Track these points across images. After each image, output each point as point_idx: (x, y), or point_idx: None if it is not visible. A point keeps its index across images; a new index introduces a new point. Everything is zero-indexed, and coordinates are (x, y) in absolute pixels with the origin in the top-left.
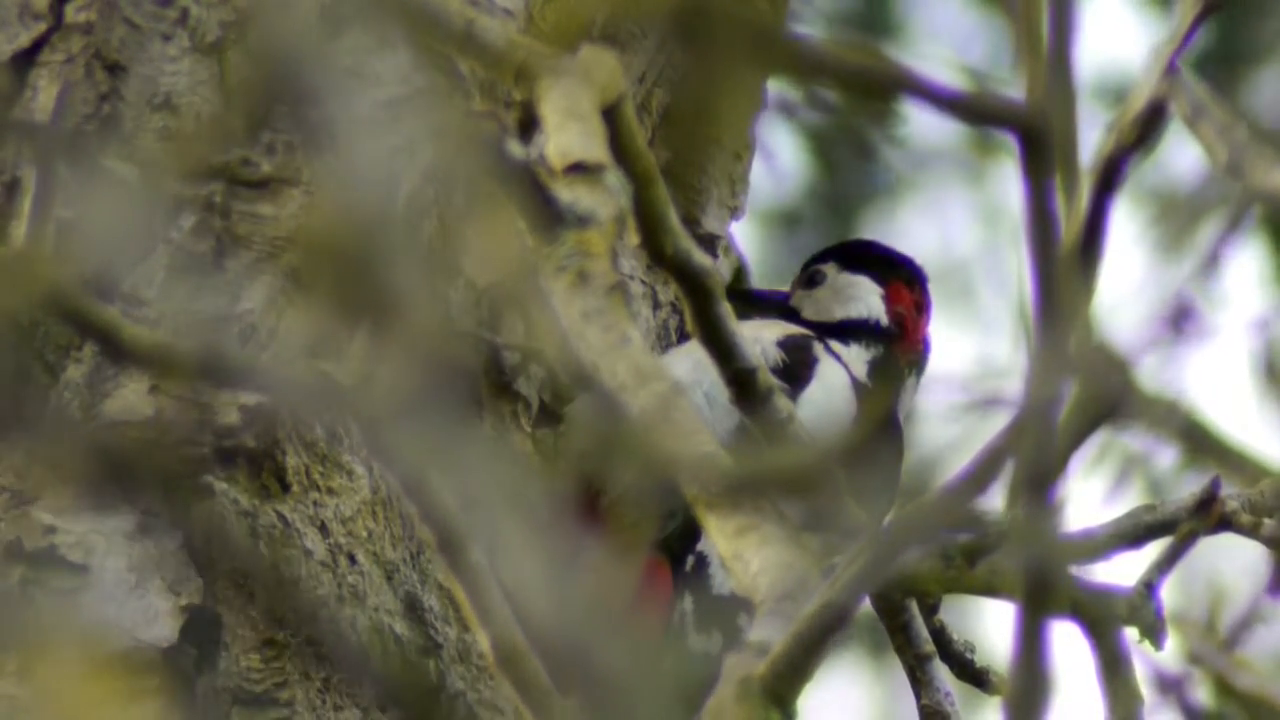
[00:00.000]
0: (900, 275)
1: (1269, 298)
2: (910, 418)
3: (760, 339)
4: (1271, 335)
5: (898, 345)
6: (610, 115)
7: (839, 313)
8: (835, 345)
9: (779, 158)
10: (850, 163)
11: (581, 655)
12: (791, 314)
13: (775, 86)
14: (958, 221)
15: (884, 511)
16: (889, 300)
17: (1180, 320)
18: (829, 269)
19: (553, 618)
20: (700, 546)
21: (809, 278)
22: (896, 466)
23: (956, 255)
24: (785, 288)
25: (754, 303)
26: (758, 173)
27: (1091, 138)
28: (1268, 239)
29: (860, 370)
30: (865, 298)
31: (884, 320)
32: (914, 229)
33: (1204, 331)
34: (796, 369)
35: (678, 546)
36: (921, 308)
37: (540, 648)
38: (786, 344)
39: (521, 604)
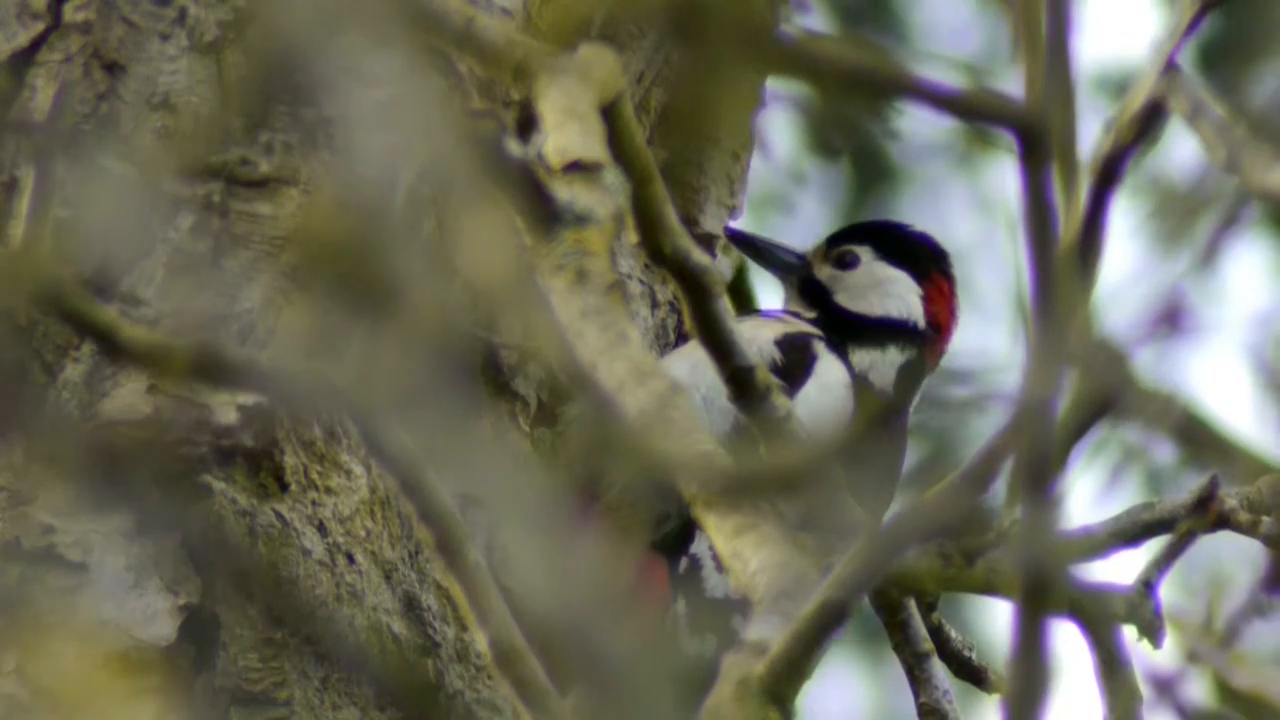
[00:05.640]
0: (939, 269)
1: (1269, 293)
2: (913, 409)
3: (757, 338)
4: (1270, 331)
5: (929, 349)
6: (608, 114)
7: (878, 307)
8: (866, 348)
9: (776, 146)
10: (849, 156)
11: (583, 642)
12: (811, 284)
13: (776, 83)
14: (955, 214)
15: (884, 505)
16: (927, 300)
17: (1173, 318)
18: (864, 253)
19: (554, 607)
20: (693, 549)
21: (840, 258)
22: (897, 460)
23: (954, 248)
24: (797, 249)
25: (762, 254)
26: (755, 164)
27: (1091, 132)
28: (1268, 234)
29: (888, 374)
30: (905, 296)
31: (921, 323)
32: (911, 221)
33: (1198, 328)
34: (793, 368)
35: (672, 548)
36: (954, 305)
37: (540, 641)
38: (784, 343)
39: (520, 598)
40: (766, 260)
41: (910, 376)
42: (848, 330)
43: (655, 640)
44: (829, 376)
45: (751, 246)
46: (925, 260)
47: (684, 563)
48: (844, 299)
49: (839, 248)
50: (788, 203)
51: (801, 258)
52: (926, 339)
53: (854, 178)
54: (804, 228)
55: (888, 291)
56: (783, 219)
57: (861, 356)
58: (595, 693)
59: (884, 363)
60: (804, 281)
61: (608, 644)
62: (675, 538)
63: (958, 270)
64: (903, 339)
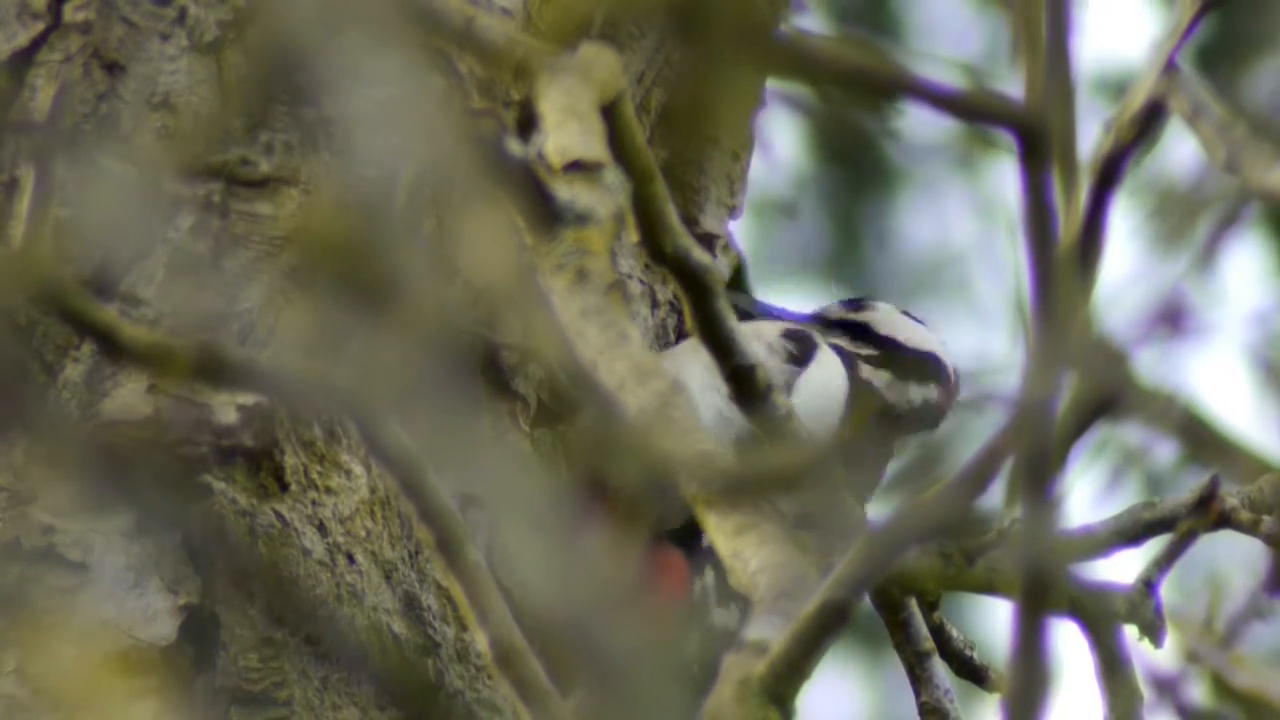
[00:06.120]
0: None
1: (1269, 293)
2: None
3: (762, 334)
4: (1270, 330)
5: (948, 397)
6: (609, 113)
7: (920, 342)
8: (895, 379)
9: (777, 149)
10: (849, 156)
11: (585, 642)
12: (839, 323)
13: (776, 83)
14: (955, 215)
15: (867, 490)
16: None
17: (1173, 318)
18: (878, 302)
19: (556, 606)
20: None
21: (855, 303)
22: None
23: (954, 248)
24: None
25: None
26: (755, 164)
27: (1091, 132)
28: (1267, 234)
29: (906, 398)
30: (943, 344)
31: (953, 375)
32: (911, 222)
33: (1198, 328)
34: (802, 358)
35: (691, 530)
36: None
37: (540, 641)
38: (790, 335)
39: (520, 598)
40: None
41: (925, 416)
42: (888, 360)
43: (659, 638)
44: (828, 361)
45: (765, 314)
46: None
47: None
48: (881, 327)
49: (853, 300)
50: (788, 205)
51: (813, 316)
52: (950, 388)
53: (854, 179)
54: (805, 230)
55: (926, 336)
56: (783, 221)
57: (887, 379)
58: (597, 692)
59: (906, 390)
60: (829, 325)
61: (610, 643)
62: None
63: (957, 271)
64: (930, 377)
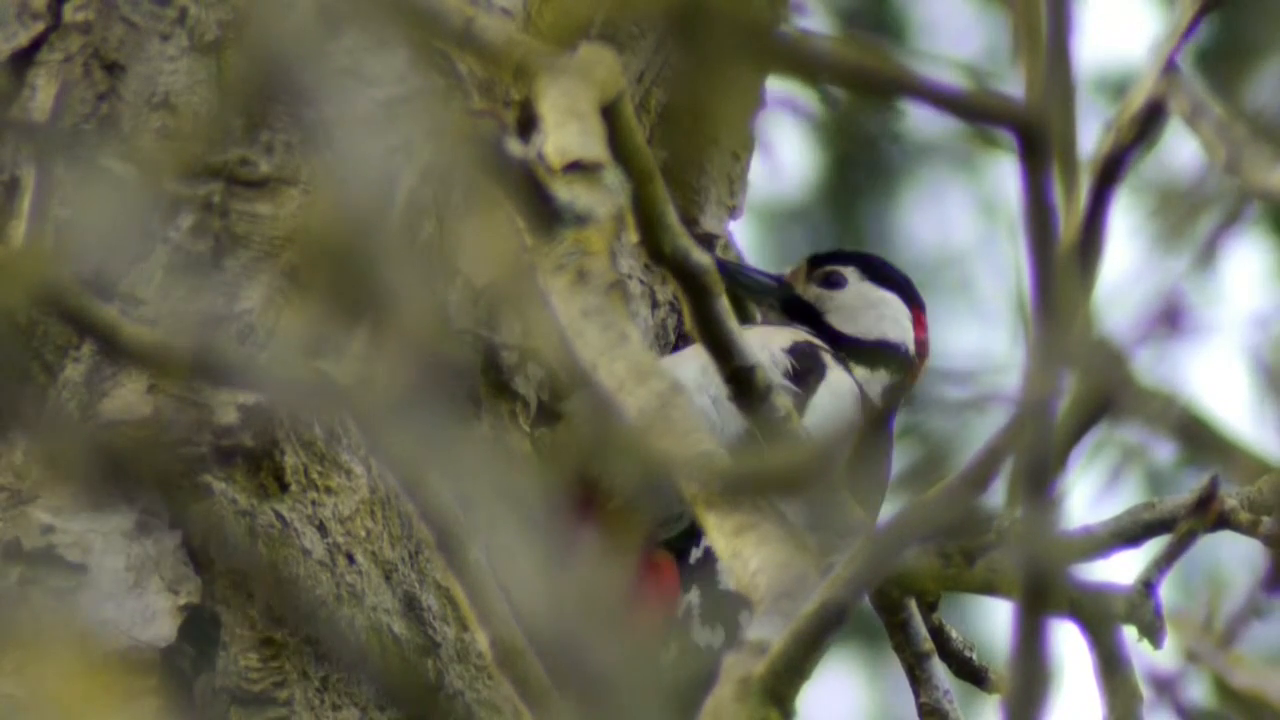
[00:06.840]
0: (918, 302)
1: (1269, 293)
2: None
3: (769, 346)
4: (1270, 331)
5: (911, 373)
6: (609, 113)
7: (875, 330)
8: (856, 367)
9: (778, 152)
10: (850, 156)
11: (575, 652)
12: (797, 303)
13: (776, 83)
14: (956, 214)
15: (876, 505)
16: (915, 325)
17: (1173, 318)
18: (850, 274)
19: (547, 614)
20: (707, 540)
21: (826, 277)
22: (883, 475)
23: (955, 248)
24: (774, 271)
25: (744, 282)
26: (756, 167)
27: (1091, 132)
28: (1267, 234)
29: (875, 391)
30: (899, 320)
31: (911, 349)
32: (912, 222)
33: (1197, 329)
34: (806, 376)
35: (683, 542)
36: (928, 335)
37: (536, 644)
38: (796, 351)
39: (518, 601)
40: (742, 285)
41: (893, 398)
42: (839, 349)
43: (649, 649)
44: (840, 385)
45: (724, 272)
46: (908, 291)
47: (697, 553)
48: (835, 319)
49: (823, 268)
50: (791, 210)
51: (779, 279)
52: (912, 364)
53: (855, 179)
54: (805, 230)
55: (882, 314)
56: (784, 222)
57: (856, 371)
58: (583, 705)
59: (873, 381)
60: (787, 302)
61: (596, 656)
62: (689, 529)
63: (958, 271)
64: (893, 362)
